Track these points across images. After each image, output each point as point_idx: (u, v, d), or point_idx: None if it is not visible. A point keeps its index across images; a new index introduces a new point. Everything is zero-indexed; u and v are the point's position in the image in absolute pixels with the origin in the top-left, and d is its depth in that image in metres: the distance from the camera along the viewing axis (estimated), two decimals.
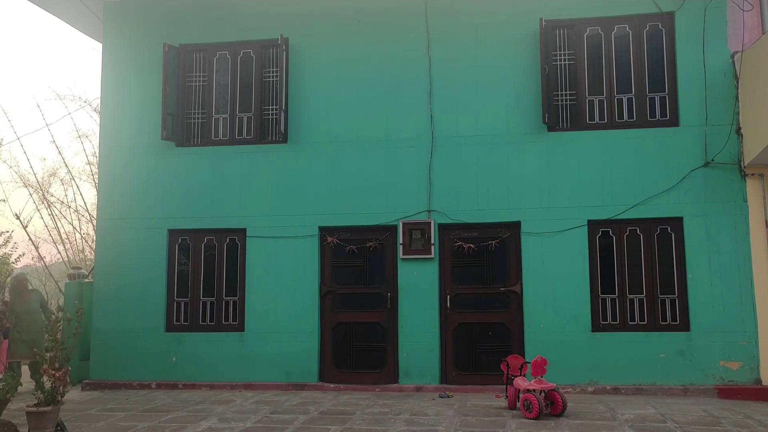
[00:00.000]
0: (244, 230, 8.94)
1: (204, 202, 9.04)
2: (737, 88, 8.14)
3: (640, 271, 8.25)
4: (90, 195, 17.63)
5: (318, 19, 9.10)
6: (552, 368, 6.92)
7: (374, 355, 8.62)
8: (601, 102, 8.58)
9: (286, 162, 8.95)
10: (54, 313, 6.60)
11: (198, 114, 9.36)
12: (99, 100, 10.22)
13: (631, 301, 8.21)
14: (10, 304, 8.84)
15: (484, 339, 8.43)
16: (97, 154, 11.01)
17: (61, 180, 17.13)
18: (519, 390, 6.74)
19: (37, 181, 16.85)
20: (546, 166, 8.44)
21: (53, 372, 6.01)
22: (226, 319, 8.88)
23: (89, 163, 16.67)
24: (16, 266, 16.82)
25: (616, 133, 8.38)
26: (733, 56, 8.22)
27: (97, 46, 12.32)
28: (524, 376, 6.96)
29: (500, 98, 8.62)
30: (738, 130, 8.11)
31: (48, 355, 6.24)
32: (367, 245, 8.75)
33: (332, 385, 8.43)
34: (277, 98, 9.07)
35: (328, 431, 6.08)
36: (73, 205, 17.05)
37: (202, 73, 9.41)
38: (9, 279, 10.10)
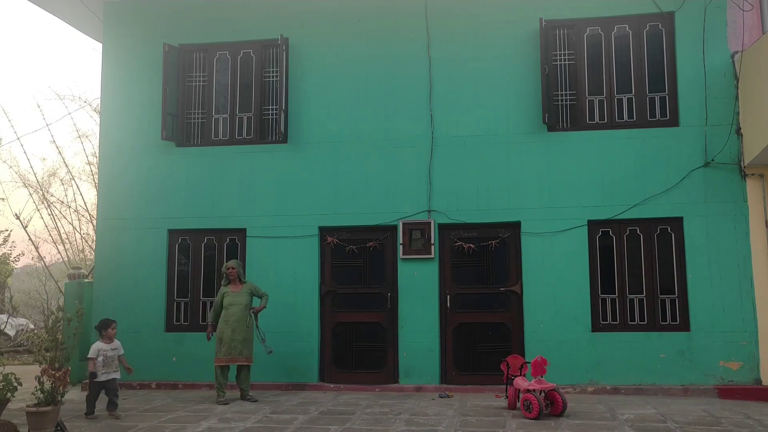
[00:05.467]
0: (244, 230, 8.94)
1: (204, 202, 9.04)
2: (737, 88, 8.14)
3: (640, 271, 8.25)
4: (90, 195, 17.63)
5: (318, 19, 9.10)
6: (552, 368, 6.91)
7: (374, 355, 8.62)
8: (601, 102, 8.58)
9: (286, 162, 8.95)
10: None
11: (198, 114, 9.36)
12: (99, 100, 10.22)
13: (631, 301, 8.21)
14: (220, 294, 7.83)
15: (484, 339, 8.43)
16: (97, 154, 11.01)
17: (61, 180, 17.13)
18: (519, 390, 6.74)
19: (37, 181, 16.86)
20: (546, 166, 8.44)
21: (53, 372, 6.01)
22: None
23: (89, 163, 16.68)
24: (16, 266, 16.80)
25: (616, 133, 8.38)
26: (733, 56, 8.22)
27: (97, 46, 12.33)
28: (524, 376, 6.96)
29: (500, 98, 8.62)
30: (738, 130, 8.11)
31: (48, 355, 6.24)
32: (367, 245, 8.75)
33: (332, 385, 8.43)
34: (277, 98, 9.08)
35: (328, 431, 6.08)
36: (73, 205, 17.05)
37: (202, 73, 9.41)
38: (229, 262, 7.95)
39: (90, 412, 6.75)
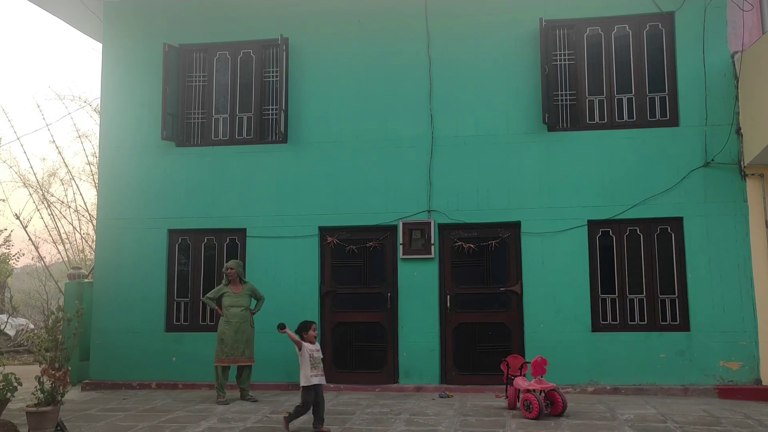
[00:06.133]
0: (244, 230, 8.94)
1: (204, 202, 9.04)
2: (737, 88, 8.14)
3: (640, 271, 8.25)
4: (90, 195, 17.64)
5: (318, 19, 9.10)
6: (552, 368, 6.91)
7: (374, 355, 8.62)
8: (601, 102, 8.58)
9: (286, 162, 8.95)
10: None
11: (198, 114, 9.36)
12: (99, 100, 10.22)
13: (631, 301, 8.21)
14: (219, 291, 7.79)
15: (484, 339, 8.43)
16: (97, 154, 11.01)
17: (61, 180, 17.14)
18: (519, 390, 6.74)
19: (37, 181, 16.86)
20: (546, 166, 8.43)
21: (53, 372, 6.01)
22: None
23: (89, 163, 16.68)
24: (16, 266, 16.83)
25: (616, 133, 8.38)
26: (733, 56, 8.22)
27: (97, 46, 12.33)
28: (524, 376, 6.96)
29: (500, 98, 8.62)
30: (738, 130, 8.11)
31: (48, 355, 6.24)
32: (367, 245, 8.75)
33: (332, 385, 8.42)
34: (277, 98, 9.08)
35: (328, 431, 6.07)
36: (73, 205, 17.05)
37: (202, 73, 9.41)
38: (229, 263, 7.94)
39: (303, 415, 6.14)
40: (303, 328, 6.43)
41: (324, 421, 6.18)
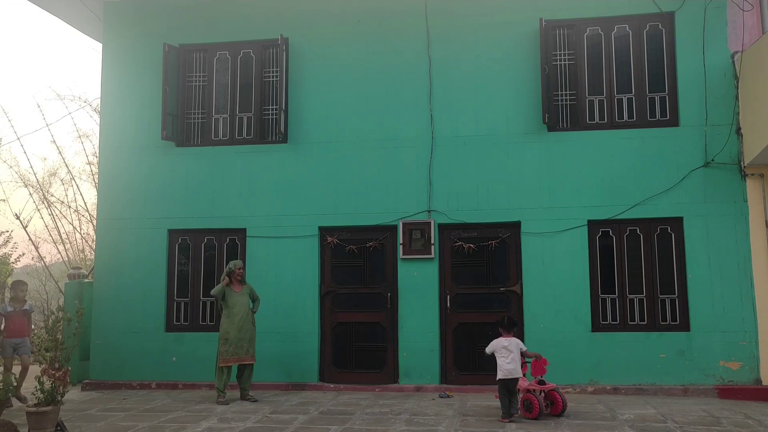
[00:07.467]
0: (244, 230, 8.94)
1: (204, 202, 9.04)
2: (737, 88, 8.14)
3: (640, 271, 8.25)
4: (90, 195, 17.60)
5: (318, 19, 9.10)
6: (552, 368, 6.91)
7: (374, 355, 8.62)
8: (601, 102, 8.58)
9: (286, 162, 8.95)
10: (60, 315, 6.47)
11: (198, 114, 9.36)
12: (99, 100, 10.22)
13: (631, 301, 8.21)
14: (222, 290, 7.70)
15: (484, 339, 8.38)
16: (97, 154, 11.02)
17: (61, 180, 17.11)
18: (519, 390, 6.73)
19: (37, 181, 16.84)
20: (546, 166, 8.44)
21: (53, 372, 6.01)
22: None
23: (89, 163, 16.65)
24: (16, 266, 16.85)
25: (616, 133, 8.38)
26: (733, 56, 8.22)
27: (97, 46, 12.32)
28: (524, 376, 6.95)
29: (500, 98, 8.62)
30: (738, 130, 8.11)
31: (48, 355, 6.24)
32: (367, 245, 8.75)
33: (332, 385, 8.43)
34: (277, 98, 9.08)
35: (328, 431, 6.08)
36: (73, 205, 17.04)
37: (202, 73, 9.41)
38: (230, 263, 7.86)
39: (506, 414, 6.37)
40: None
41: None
